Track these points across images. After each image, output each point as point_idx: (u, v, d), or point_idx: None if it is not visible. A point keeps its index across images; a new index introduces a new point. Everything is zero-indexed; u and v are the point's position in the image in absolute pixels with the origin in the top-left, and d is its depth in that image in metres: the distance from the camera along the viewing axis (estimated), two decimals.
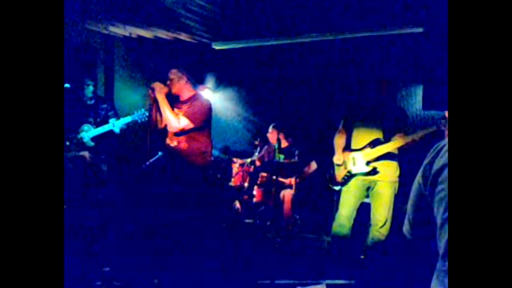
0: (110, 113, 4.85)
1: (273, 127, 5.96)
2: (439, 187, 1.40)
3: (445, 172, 1.38)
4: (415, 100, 6.11)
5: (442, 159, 1.41)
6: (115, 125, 4.67)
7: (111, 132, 4.67)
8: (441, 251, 1.39)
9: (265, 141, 6.21)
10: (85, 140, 4.70)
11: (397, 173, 4.03)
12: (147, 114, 4.50)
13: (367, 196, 4.16)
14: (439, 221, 1.40)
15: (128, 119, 4.66)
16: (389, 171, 4.01)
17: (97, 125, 4.76)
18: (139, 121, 4.58)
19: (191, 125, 4.00)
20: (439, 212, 1.40)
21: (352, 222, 4.12)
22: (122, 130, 4.66)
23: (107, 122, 4.75)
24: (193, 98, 4.15)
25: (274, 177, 5.54)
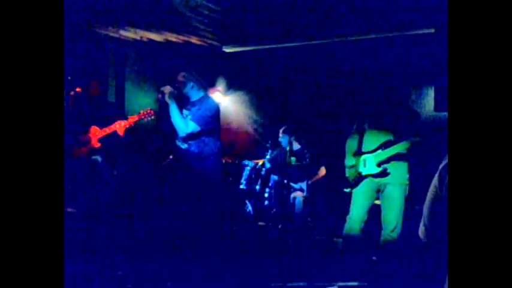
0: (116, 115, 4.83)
1: (284, 129, 5.94)
2: None
3: None
4: (427, 101, 6.05)
5: None
6: (121, 125, 4.62)
7: (120, 136, 4.65)
8: None
9: (277, 143, 6.19)
10: (92, 142, 4.71)
11: (407, 175, 3.99)
12: (152, 113, 4.49)
13: (378, 198, 4.13)
14: None
15: (133, 119, 4.63)
16: (400, 174, 3.97)
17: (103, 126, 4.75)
18: (145, 120, 4.55)
19: (199, 129, 4.03)
20: None
21: (363, 224, 4.09)
22: (126, 131, 4.62)
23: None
24: (202, 100, 4.19)
25: (286, 181, 5.53)
